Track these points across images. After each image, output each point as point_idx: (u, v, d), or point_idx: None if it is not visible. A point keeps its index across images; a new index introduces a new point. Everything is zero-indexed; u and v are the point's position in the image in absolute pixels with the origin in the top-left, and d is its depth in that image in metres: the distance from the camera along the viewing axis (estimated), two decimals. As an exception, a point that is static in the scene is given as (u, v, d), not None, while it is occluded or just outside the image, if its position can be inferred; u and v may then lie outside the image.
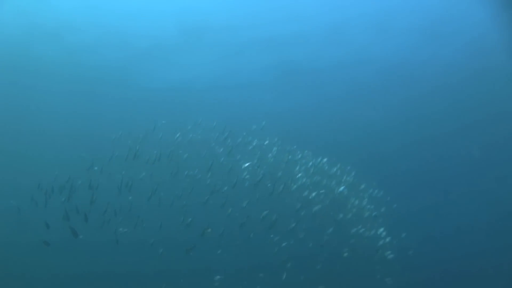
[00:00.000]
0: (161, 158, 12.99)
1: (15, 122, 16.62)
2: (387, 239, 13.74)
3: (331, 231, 12.83)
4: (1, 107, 16.96)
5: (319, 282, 12.25)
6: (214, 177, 13.34)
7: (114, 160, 13.19)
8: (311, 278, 12.23)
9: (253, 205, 12.43)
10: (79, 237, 9.65)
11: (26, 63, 17.85)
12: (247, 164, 14.22)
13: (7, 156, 15.17)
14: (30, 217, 12.60)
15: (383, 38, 18.59)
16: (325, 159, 14.88)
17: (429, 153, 18.76)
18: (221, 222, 12.18)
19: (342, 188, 14.20)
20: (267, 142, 15.39)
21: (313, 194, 13.52)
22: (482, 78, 18.76)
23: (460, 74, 19.12)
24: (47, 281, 11.93)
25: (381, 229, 13.84)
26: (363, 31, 18.39)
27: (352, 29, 18.30)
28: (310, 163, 14.69)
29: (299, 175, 14.42)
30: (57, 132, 16.79)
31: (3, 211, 13.27)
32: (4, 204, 13.32)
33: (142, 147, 13.73)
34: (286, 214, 12.95)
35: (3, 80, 17.42)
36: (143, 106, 18.54)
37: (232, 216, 12.09)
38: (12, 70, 17.67)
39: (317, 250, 12.97)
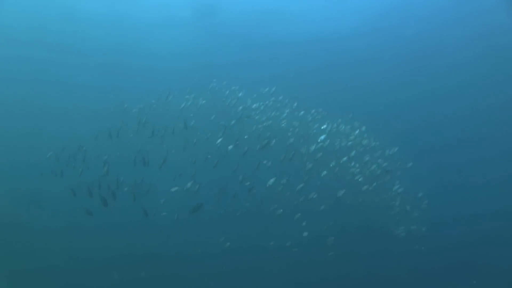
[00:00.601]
0: (169, 125, 13.12)
1: (24, 98, 16.93)
2: (401, 197, 13.70)
3: (345, 190, 12.83)
4: (13, 81, 17.27)
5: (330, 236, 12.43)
6: (224, 142, 13.41)
7: (124, 129, 13.41)
8: (322, 234, 12.42)
9: (264, 168, 12.52)
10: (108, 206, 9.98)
11: (35, 35, 17.93)
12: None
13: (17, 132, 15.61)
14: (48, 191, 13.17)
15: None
16: (339, 119, 14.68)
17: (446, 111, 18.09)
18: (232, 186, 12.40)
19: (355, 146, 14.06)
20: (278, 104, 15.23)
21: (324, 154, 13.45)
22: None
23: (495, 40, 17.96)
24: (66, 251, 12.63)
25: (396, 186, 13.77)
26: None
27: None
28: (324, 125, 14.53)
29: (313, 133, 14.33)
30: (68, 104, 17.04)
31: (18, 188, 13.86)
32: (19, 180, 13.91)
33: (152, 114, 13.90)
34: (298, 173, 13.02)
35: (13, 55, 17.63)
36: (151, 72, 18.52)
37: (244, 179, 12.24)
38: (22, 43, 17.82)
39: (330, 208, 13.09)
